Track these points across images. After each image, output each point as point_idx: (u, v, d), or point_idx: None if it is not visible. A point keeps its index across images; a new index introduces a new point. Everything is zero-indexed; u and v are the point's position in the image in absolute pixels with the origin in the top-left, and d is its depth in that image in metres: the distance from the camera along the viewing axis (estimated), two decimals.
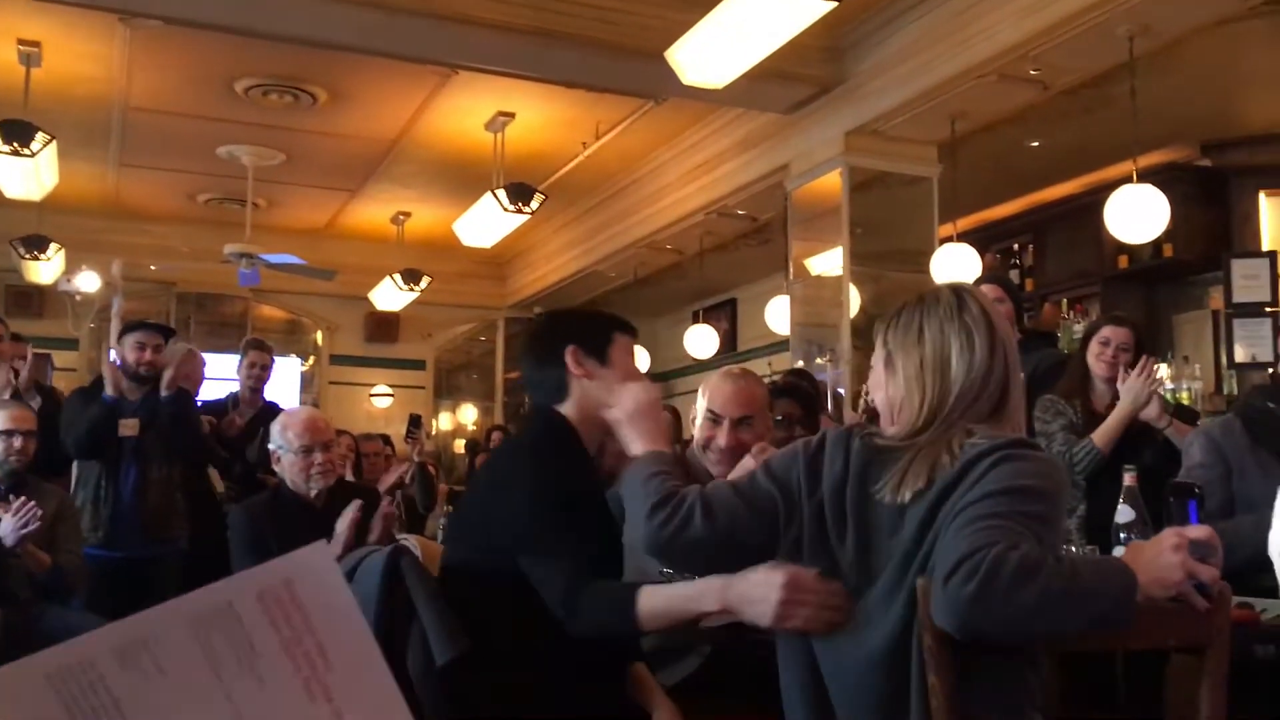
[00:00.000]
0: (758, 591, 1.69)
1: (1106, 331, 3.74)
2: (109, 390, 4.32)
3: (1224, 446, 2.82)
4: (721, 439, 2.65)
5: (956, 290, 1.67)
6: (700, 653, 2.42)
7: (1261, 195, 6.25)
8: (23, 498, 3.48)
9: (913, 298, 1.68)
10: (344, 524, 3.26)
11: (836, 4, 4.09)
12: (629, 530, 2.05)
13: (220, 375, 6.09)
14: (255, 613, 0.79)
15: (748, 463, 2.54)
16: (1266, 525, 2.22)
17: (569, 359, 2.16)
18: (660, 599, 1.88)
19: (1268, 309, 5.79)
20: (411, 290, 8.98)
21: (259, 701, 0.79)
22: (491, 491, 2.17)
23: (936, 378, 1.60)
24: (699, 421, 2.71)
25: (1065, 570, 1.35)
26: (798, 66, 5.74)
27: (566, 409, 2.17)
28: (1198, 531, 1.40)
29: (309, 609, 0.79)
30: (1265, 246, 6.14)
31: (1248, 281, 5.89)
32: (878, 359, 1.69)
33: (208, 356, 6.03)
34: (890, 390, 1.65)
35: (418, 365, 11.07)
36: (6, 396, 4.23)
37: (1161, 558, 1.38)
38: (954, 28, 5.19)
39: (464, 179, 7.85)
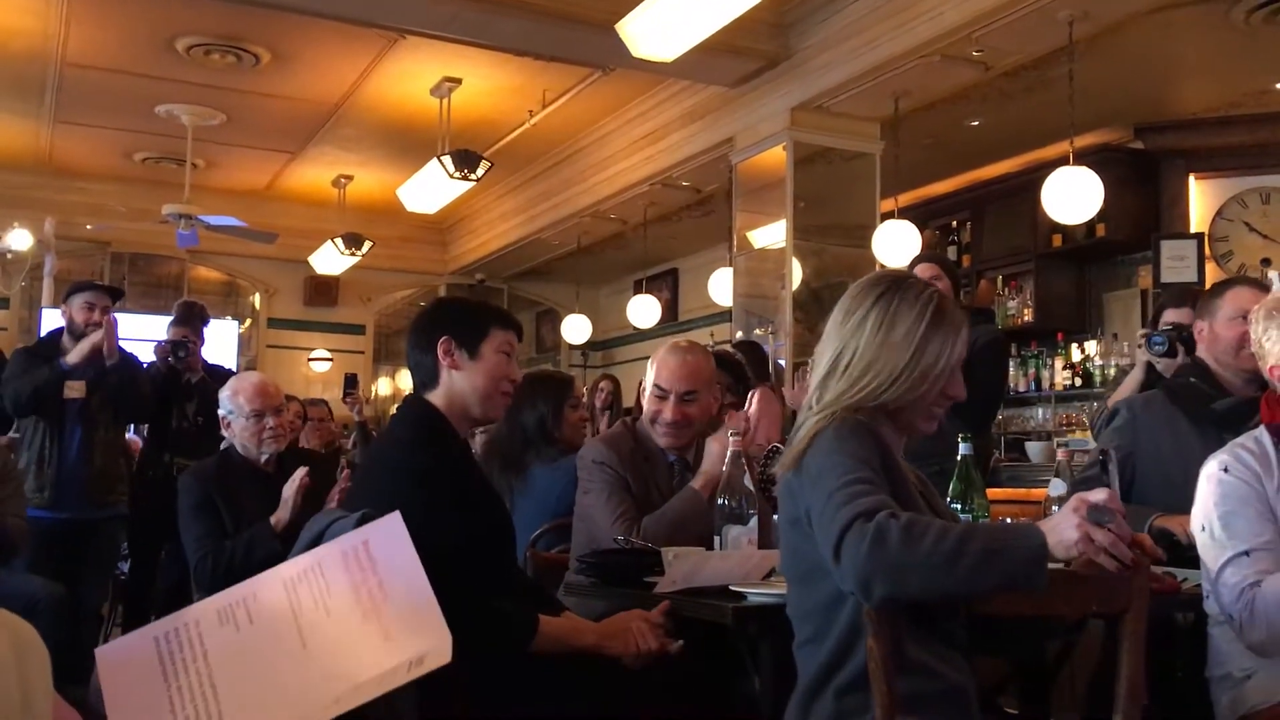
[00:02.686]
0: (620, 628, 2.16)
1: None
2: (73, 359, 4.27)
3: (1140, 420, 2.90)
4: (668, 413, 2.74)
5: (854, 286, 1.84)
6: None
7: (1191, 178, 6.44)
8: None
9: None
10: (291, 489, 3.27)
11: None
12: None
13: (154, 338, 6.01)
14: (337, 565, 1.01)
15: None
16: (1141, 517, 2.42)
17: (440, 348, 2.26)
18: (551, 629, 2.16)
19: (1194, 289, 5.99)
20: (352, 255, 8.91)
21: (323, 628, 0.98)
22: (369, 492, 2.24)
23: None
24: (647, 396, 2.78)
25: (957, 530, 1.43)
26: (745, 41, 5.79)
27: (436, 397, 2.27)
28: (1097, 495, 1.45)
29: (377, 558, 1.01)
30: (1193, 228, 6.34)
31: (1175, 262, 6.09)
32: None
33: (143, 318, 5.96)
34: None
35: (357, 330, 11.01)
36: None
37: (1062, 521, 1.44)
38: (899, 7, 5.27)
39: (408, 144, 7.80)
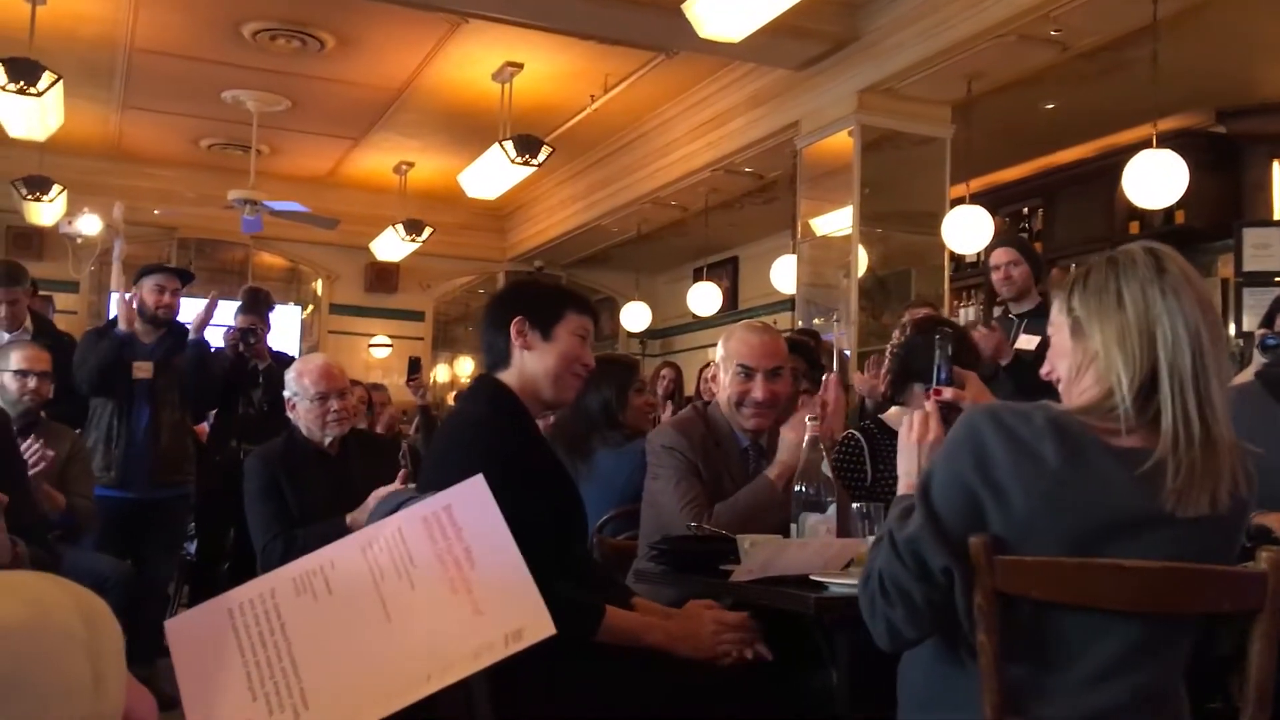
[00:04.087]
0: (692, 629, 2.09)
1: None
2: (122, 325, 4.30)
3: (1239, 411, 2.79)
4: (758, 392, 2.65)
5: (1152, 251, 1.53)
6: (721, 606, 2.44)
7: (1275, 164, 6.22)
8: (30, 438, 3.47)
9: (1100, 260, 1.56)
10: (376, 499, 3.20)
11: None
12: None
13: (221, 322, 6.05)
14: (419, 531, 0.94)
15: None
16: None
17: (513, 328, 2.22)
18: (619, 621, 2.09)
19: (1278, 278, 5.79)
20: (413, 241, 8.93)
21: (407, 600, 0.91)
22: (441, 472, 2.16)
23: (1142, 345, 1.46)
24: (726, 377, 2.69)
25: None
26: (813, 22, 5.68)
27: (508, 377, 2.24)
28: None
29: (462, 524, 0.95)
30: (1277, 216, 6.13)
31: (1258, 251, 5.88)
32: (1060, 326, 1.57)
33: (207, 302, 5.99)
34: (1078, 358, 1.53)
35: (417, 316, 11.05)
36: (27, 338, 4.22)
37: None
38: None
39: (469, 130, 7.78)
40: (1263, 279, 5.80)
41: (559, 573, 2.13)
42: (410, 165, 9.11)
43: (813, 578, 2.00)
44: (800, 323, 6.55)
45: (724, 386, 2.70)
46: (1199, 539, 1.43)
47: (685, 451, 2.62)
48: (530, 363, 2.22)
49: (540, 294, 2.35)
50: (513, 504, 2.04)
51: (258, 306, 5.16)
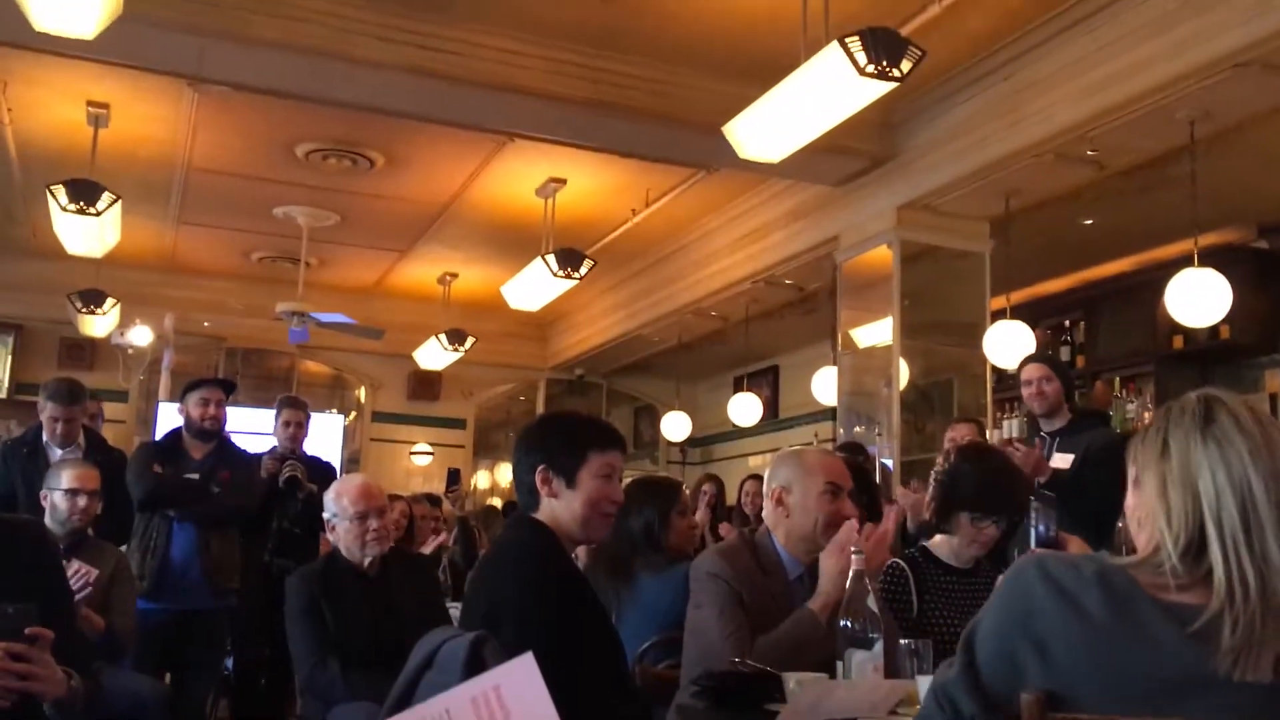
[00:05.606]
0: None
1: None
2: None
3: None
4: (850, 509, 2.61)
5: (1206, 398, 1.47)
6: None
7: None
8: (75, 565, 3.50)
9: (1161, 409, 1.51)
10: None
11: (898, 84, 4.10)
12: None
13: (262, 430, 6.13)
14: (467, 714, 0.95)
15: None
16: None
17: (538, 477, 2.27)
18: None
19: None
20: (456, 350, 9.01)
21: None
22: (489, 592, 2.24)
23: (1185, 496, 1.40)
24: (802, 499, 2.62)
25: None
26: (851, 140, 5.76)
27: (542, 516, 2.29)
28: None
29: (510, 705, 0.94)
30: None
31: None
32: (1130, 479, 1.52)
33: (253, 411, 6.06)
34: (1137, 512, 1.47)
35: (458, 424, 11.11)
36: (78, 455, 4.29)
37: None
38: (1010, 106, 5.20)
39: (512, 242, 7.92)
40: None
41: (623, 697, 2.13)
42: (454, 276, 9.26)
43: None
44: (841, 431, 6.52)
45: (800, 510, 2.62)
46: (1262, 708, 1.35)
47: (730, 580, 2.58)
48: (558, 508, 2.27)
49: (562, 438, 2.33)
50: (570, 620, 2.07)
51: (297, 403, 5.34)
